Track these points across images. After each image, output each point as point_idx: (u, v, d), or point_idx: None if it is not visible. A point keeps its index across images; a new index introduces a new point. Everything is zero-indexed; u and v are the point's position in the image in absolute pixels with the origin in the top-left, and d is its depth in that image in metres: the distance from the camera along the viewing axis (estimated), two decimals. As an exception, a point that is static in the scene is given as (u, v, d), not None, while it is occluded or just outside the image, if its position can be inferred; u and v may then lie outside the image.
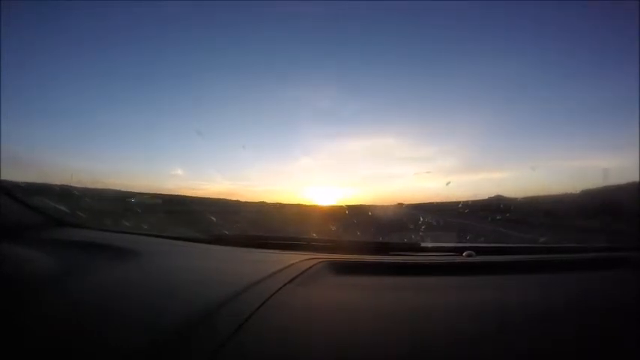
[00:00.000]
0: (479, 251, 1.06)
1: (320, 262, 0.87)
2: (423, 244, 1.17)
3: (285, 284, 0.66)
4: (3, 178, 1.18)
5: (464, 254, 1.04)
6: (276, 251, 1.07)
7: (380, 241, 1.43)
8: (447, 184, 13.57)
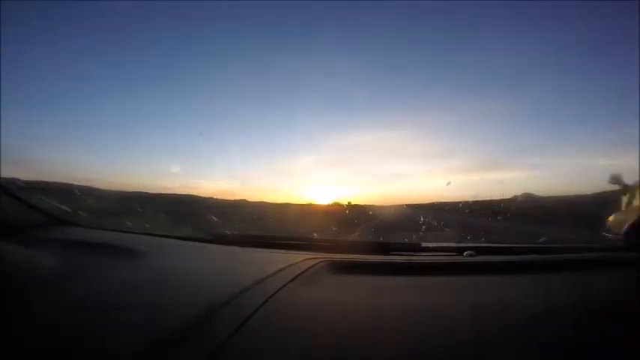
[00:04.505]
0: (479, 251, 1.06)
1: (321, 261, 0.87)
2: (423, 244, 1.17)
3: (285, 284, 0.66)
4: (3, 175, 1.18)
5: (464, 254, 1.03)
6: (277, 251, 1.07)
7: (381, 241, 1.43)
8: (448, 184, 13.63)
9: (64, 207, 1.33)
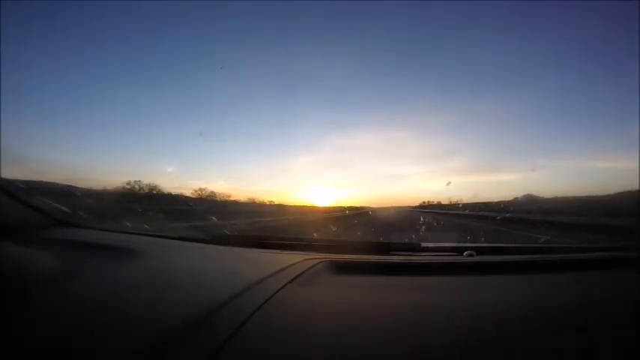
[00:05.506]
0: (479, 251, 1.06)
1: (321, 262, 0.87)
2: (423, 244, 1.17)
3: (285, 284, 0.66)
4: (2, 175, 1.18)
5: (464, 254, 1.03)
6: (277, 251, 1.07)
7: (381, 241, 1.44)
8: (448, 184, 13.65)
9: (63, 207, 1.33)
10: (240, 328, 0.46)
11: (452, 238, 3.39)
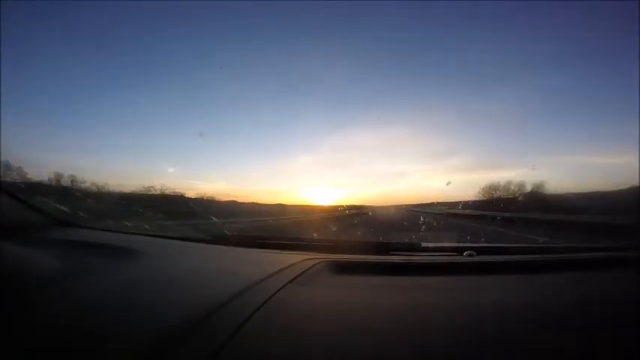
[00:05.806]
0: (479, 251, 1.06)
1: (320, 262, 0.87)
2: (423, 244, 1.17)
3: (285, 284, 0.66)
4: (3, 177, 1.18)
5: (464, 254, 1.03)
6: (277, 251, 1.07)
7: (381, 241, 1.44)
8: (448, 184, 13.66)
9: (63, 208, 1.33)
10: (240, 328, 0.46)
11: (452, 238, 3.40)
